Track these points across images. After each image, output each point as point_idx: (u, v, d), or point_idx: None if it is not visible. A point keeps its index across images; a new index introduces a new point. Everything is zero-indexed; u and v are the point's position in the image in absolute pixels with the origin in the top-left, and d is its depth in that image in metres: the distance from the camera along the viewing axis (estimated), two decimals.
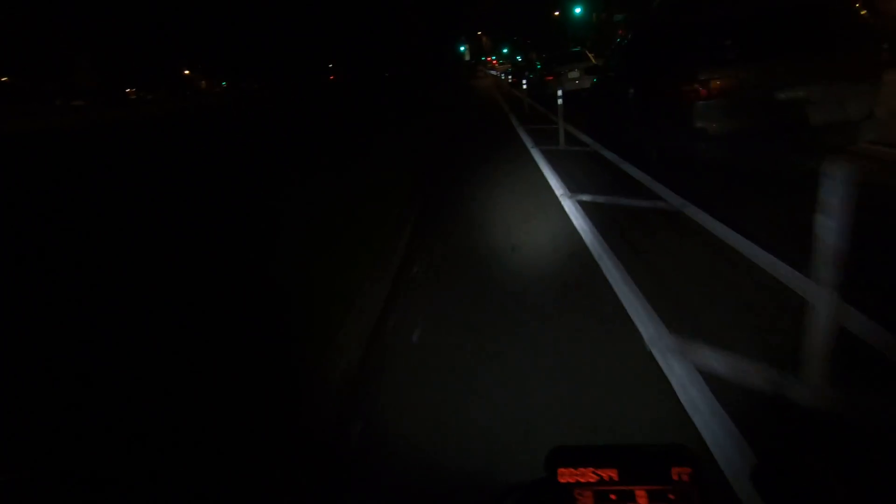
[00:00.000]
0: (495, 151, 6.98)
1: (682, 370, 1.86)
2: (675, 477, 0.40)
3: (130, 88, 53.61)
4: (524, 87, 13.72)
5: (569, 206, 4.05)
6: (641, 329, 2.18)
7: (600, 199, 4.17)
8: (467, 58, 38.99)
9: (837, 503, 0.41)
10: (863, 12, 3.89)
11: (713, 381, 1.79)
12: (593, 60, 13.18)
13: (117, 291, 3.01)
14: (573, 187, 4.60)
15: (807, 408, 1.61)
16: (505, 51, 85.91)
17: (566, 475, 0.41)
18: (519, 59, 77.22)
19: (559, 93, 6.85)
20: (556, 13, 57.20)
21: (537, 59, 18.10)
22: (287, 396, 1.93)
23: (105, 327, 2.55)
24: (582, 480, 0.41)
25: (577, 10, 43.48)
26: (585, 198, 4.23)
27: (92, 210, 5.44)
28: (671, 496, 0.39)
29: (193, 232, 4.17)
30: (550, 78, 12.78)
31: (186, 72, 61.18)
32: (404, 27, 39.57)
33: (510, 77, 24.67)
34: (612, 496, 0.40)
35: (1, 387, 2.13)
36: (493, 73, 38.88)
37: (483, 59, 79.98)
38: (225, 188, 5.96)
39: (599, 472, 0.41)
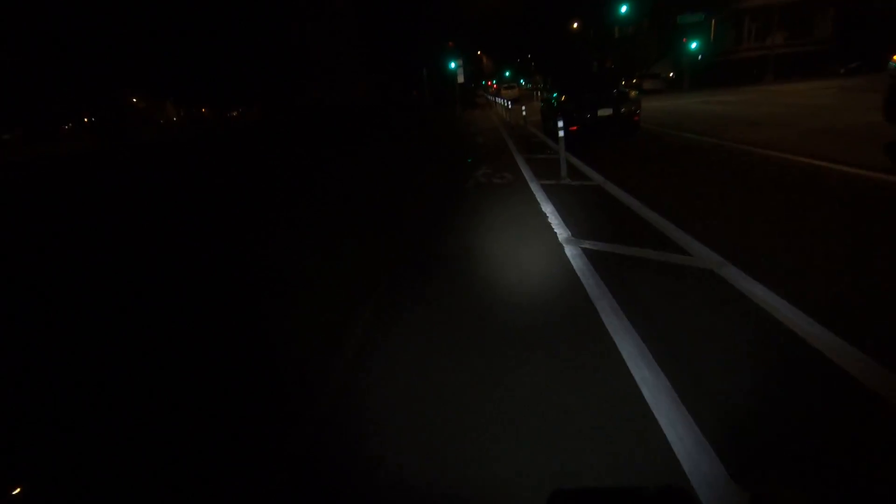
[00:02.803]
0: None
1: None
2: None
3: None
4: None
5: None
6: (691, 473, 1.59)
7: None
8: (461, 80, 31.37)
9: None
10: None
11: None
12: None
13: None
14: None
15: None
16: (507, 74, 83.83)
17: None
18: (522, 82, 72.08)
19: (559, 124, 6.32)
20: (575, 24, 50.43)
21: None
22: None
23: None
24: None
25: (623, 10, 37.81)
26: None
27: None
28: None
29: None
30: None
31: None
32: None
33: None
34: None
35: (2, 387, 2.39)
36: (499, 100, 25.03)
37: (483, 82, 74.79)
38: None
39: None
